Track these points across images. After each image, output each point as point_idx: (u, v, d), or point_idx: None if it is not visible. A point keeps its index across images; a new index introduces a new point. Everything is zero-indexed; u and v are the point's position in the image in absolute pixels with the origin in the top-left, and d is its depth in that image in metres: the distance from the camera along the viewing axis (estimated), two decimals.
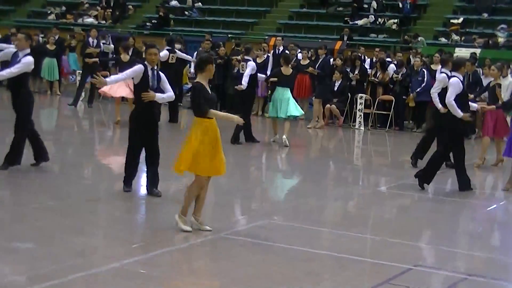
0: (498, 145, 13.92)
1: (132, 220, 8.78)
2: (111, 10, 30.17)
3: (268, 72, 18.54)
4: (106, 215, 8.98)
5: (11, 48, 11.14)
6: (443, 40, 24.45)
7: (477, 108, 12.53)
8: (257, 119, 19.32)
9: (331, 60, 19.89)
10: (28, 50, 10.38)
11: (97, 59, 19.60)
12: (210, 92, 8.01)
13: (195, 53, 20.78)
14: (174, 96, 9.69)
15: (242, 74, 15.32)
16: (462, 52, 20.86)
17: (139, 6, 31.20)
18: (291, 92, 15.52)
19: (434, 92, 12.39)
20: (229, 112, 9.94)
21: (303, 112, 16.75)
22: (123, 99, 16.42)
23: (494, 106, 12.88)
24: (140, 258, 6.96)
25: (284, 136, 14.91)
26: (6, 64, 11.15)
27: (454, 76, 11.10)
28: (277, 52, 20.48)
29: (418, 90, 18.23)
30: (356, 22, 26.51)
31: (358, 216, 9.80)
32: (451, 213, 10.27)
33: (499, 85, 13.56)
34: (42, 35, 23.84)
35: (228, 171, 8.24)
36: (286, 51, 19.10)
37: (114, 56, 19.08)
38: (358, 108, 19.01)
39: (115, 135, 15.90)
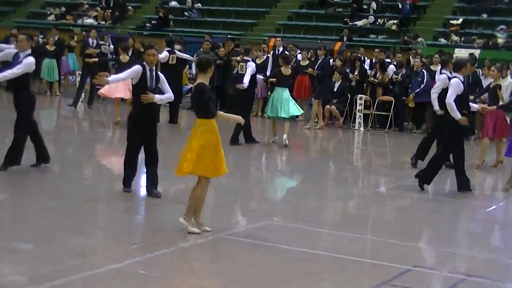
0: (497, 146, 13.92)
1: (132, 221, 8.78)
2: (110, 11, 30.18)
3: (268, 73, 18.56)
4: (106, 216, 8.99)
5: (12, 49, 11.15)
6: (442, 40, 24.46)
7: (478, 109, 12.55)
8: (257, 120, 19.33)
9: (331, 60, 19.90)
10: (29, 51, 10.39)
11: (96, 59, 19.62)
12: None
13: (195, 55, 20.76)
14: (173, 97, 9.67)
15: (241, 74, 15.32)
16: (461, 53, 20.86)
17: (139, 7, 31.20)
18: (290, 92, 15.52)
19: (435, 92, 12.40)
20: (229, 112, 9.93)
21: (303, 112, 16.78)
22: (122, 99, 16.43)
23: (495, 107, 12.89)
24: (140, 259, 6.96)
25: (284, 136, 14.92)
26: (6, 64, 11.15)
27: (455, 76, 11.11)
28: (276, 53, 20.47)
29: (417, 90, 18.24)
30: (356, 22, 26.51)
31: (357, 217, 9.81)
32: (451, 214, 10.27)
33: (499, 87, 13.57)
34: (42, 36, 23.84)
35: (228, 172, 8.23)
36: (286, 52, 19.10)
37: (114, 56, 19.08)
38: (357, 109, 19.02)
39: (115, 136, 15.91)
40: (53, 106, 21.55)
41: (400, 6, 26.49)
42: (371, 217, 9.85)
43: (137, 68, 9.36)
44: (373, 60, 20.60)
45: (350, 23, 26.44)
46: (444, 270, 7.43)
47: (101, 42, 20.87)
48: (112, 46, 21.03)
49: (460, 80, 11.03)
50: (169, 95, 9.51)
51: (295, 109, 15.15)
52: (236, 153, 13.77)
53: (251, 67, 15.08)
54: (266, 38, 25.10)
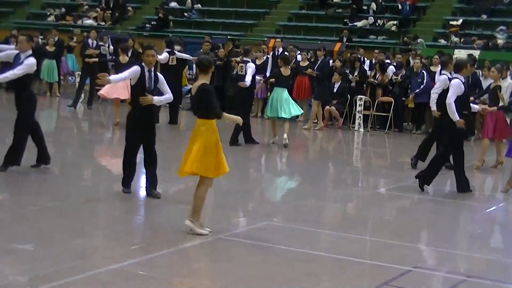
0: (497, 146, 13.92)
1: (132, 221, 8.78)
2: (110, 12, 30.17)
3: (267, 74, 18.56)
4: (106, 216, 8.99)
5: (12, 50, 11.14)
6: (442, 41, 24.46)
7: (478, 110, 12.55)
8: (257, 121, 19.33)
9: (330, 61, 19.91)
10: (30, 52, 10.40)
11: (96, 59, 19.63)
12: None
13: (195, 56, 20.77)
14: (172, 98, 9.65)
15: (241, 75, 15.32)
16: (461, 54, 20.86)
17: (139, 7, 31.20)
18: (290, 93, 15.53)
19: (435, 93, 12.40)
20: (229, 113, 9.93)
21: (303, 111, 16.81)
22: (122, 100, 16.42)
23: (495, 108, 12.89)
24: (140, 259, 6.96)
25: (284, 135, 14.92)
26: (6, 65, 11.15)
27: (455, 77, 11.11)
28: (276, 53, 20.48)
29: (417, 91, 18.24)
30: (355, 23, 26.51)
31: (357, 218, 9.80)
32: (451, 215, 10.27)
33: (500, 87, 13.57)
34: (42, 37, 23.84)
35: (229, 171, 8.23)
36: (286, 53, 19.10)
37: (113, 57, 19.09)
38: (357, 110, 19.01)
39: (115, 137, 15.90)
40: (53, 106, 21.55)
41: (399, 7, 26.49)
42: (371, 218, 9.85)
43: (136, 68, 9.36)
44: (373, 61, 20.60)
45: (349, 24, 26.45)
46: (444, 271, 7.44)
47: (100, 43, 20.89)
48: (111, 47, 21.04)
49: (461, 81, 11.03)
50: (168, 96, 9.50)
51: (295, 109, 15.18)
52: (236, 153, 13.77)
53: (251, 67, 15.10)
54: (266, 39, 25.10)
